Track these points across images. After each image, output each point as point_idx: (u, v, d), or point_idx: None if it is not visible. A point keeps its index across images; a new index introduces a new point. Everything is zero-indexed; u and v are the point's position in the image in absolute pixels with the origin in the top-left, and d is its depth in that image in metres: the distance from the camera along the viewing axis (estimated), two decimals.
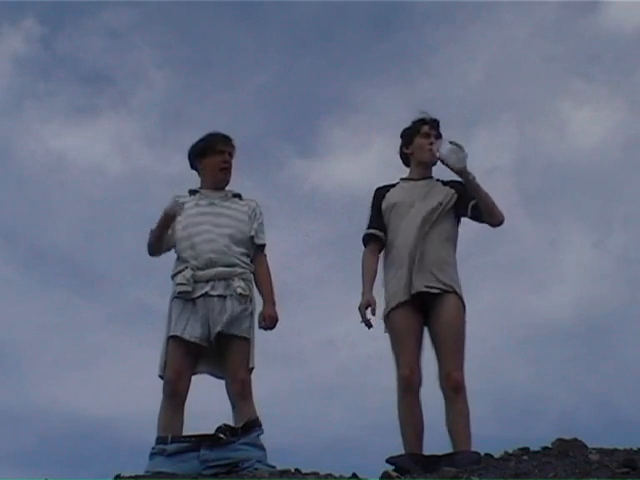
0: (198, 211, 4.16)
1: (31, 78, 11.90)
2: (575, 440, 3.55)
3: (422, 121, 4.26)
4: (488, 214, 4.02)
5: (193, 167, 4.39)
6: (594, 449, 3.45)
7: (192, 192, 4.30)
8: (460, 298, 3.92)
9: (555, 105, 12.24)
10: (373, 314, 3.94)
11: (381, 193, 4.23)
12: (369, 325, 3.94)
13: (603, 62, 11.93)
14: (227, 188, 4.34)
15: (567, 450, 3.40)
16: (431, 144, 4.16)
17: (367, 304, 3.95)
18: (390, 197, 4.17)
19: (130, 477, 3.57)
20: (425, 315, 3.92)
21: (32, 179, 11.45)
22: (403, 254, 3.96)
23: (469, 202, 4.04)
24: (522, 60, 12.09)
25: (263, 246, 4.22)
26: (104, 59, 11.85)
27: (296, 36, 12.12)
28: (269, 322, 4.03)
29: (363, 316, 3.93)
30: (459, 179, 4.10)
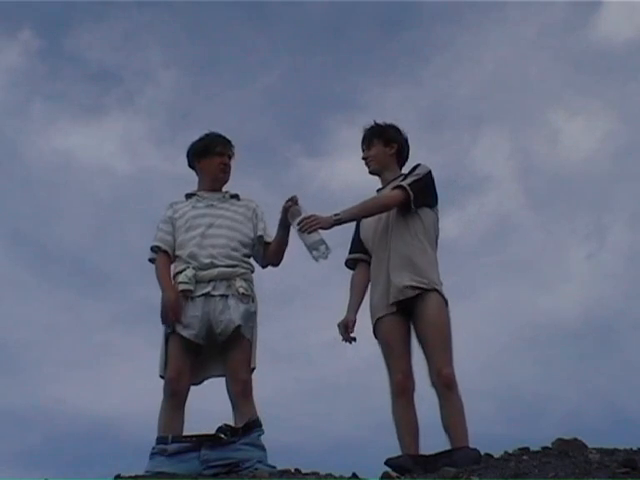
0: (197, 213, 4.17)
1: (38, 77, 11.95)
2: (575, 440, 3.54)
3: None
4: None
5: (191, 166, 4.40)
6: (594, 449, 3.44)
7: (189, 196, 4.32)
8: (441, 294, 3.91)
9: (548, 115, 12.34)
10: (351, 332, 4.07)
11: None
12: (349, 341, 4.07)
13: (596, 73, 11.99)
14: (224, 189, 4.35)
15: (567, 450, 3.38)
16: (364, 158, 4.24)
17: (345, 324, 4.08)
18: None
19: (130, 477, 3.57)
20: (410, 316, 3.93)
21: (39, 179, 11.50)
22: (378, 266, 4.02)
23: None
24: (526, 62, 12.14)
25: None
26: (111, 58, 11.90)
27: (304, 36, 12.13)
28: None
29: (342, 334, 4.08)
30: (413, 166, 4.15)
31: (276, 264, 4.27)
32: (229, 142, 4.34)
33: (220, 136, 4.35)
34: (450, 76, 12.15)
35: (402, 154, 4.27)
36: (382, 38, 12.10)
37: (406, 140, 4.30)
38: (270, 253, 4.20)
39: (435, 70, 12.29)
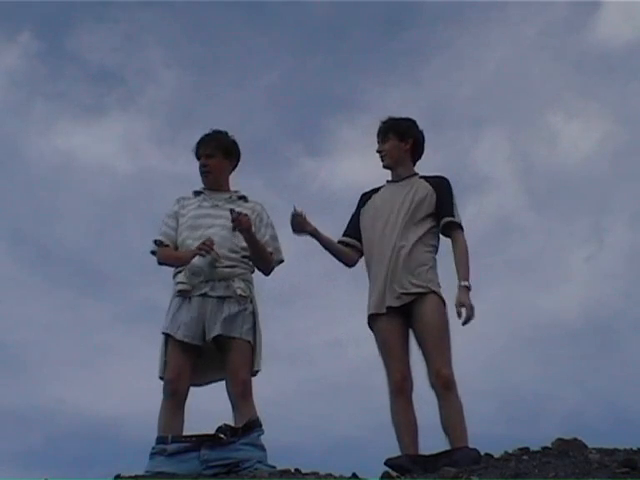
0: (201, 213, 4.17)
1: (40, 77, 11.95)
2: (575, 440, 3.54)
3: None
4: None
5: None
6: (594, 449, 3.43)
7: (196, 193, 4.31)
8: (439, 296, 3.92)
9: (548, 116, 12.36)
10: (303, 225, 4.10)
11: (364, 200, 4.29)
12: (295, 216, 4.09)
13: (595, 74, 12.02)
14: (233, 189, 4.34)
15: (567, 450, 3.38)
16: (378, 152, 4.25)
17: (306, 220, 4.11)
18: (371, 204, 4.22)
19: (130, 477, 3.57)
20: (408, 317, 3.93)
21: (40, 179, 11.52)
22: (380, 265, 4.00)
23: (443, 218, 4.06)
24: (526, 63, 12.16)
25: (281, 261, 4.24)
26: (112, 58, 11.91)
27: (305, 36, 12.15)
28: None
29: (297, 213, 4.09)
30: (442, 175, 4.17)
31: (264, 274, 4.23)
32: (209, 140, 4.28)
33: (202, 137, 4.32)
34: (450, 76, 12.17)
35: (417, 150, 4.27)
36: (383, 38, 12.13)
37: (422, 135, 4.29)
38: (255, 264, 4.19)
39: (435, 70, 12.31)
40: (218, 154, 4.27)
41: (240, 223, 3.96)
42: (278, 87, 12.23)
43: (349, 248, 4.23)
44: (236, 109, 11.47)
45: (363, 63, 12.31)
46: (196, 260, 3.91)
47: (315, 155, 12.31)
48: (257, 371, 4.00)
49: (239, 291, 3.98)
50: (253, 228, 4.08)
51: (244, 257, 4.10)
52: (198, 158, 4.29)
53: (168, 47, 12.36)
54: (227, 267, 4.01)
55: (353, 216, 4.29)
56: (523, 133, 12.39)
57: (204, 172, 4.27)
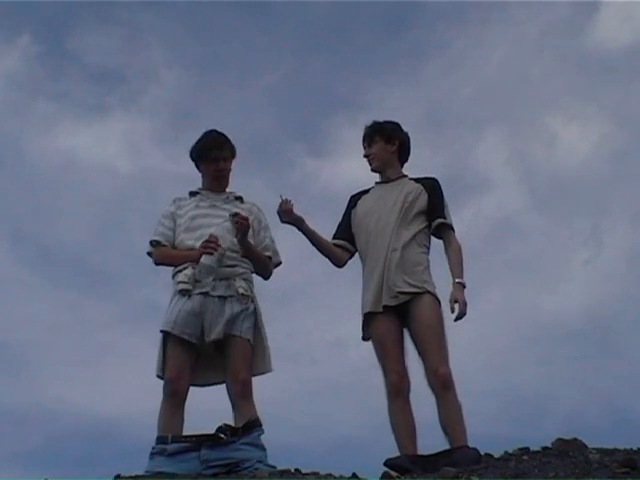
0: (199, 213, 4.16)
1: (41, 77, 11.96)
2: (575, 440, 3.54)
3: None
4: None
5: (196, 165, 4.37)
6: (594, 449, 3.44)
7: (192, 193, 4.29)
8: (434, 296, 3.94)
9: (547, 118, 12.36)
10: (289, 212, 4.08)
11: (353, 201, 4.33)
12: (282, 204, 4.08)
13: (594, 75, 12.03)
14: (229, 190, 4.32)
15: (567, 450, 3.38)
16: (366, 156, 4.30)
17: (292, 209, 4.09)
18: (361, 205, 4.26)
19: (130, 477, 3.56)
20: (403, 317, 3.95)
21: (42, 178, 11.52)
22: (375, 264, 4.02)
23: (435, 220, 4.10)
24: (527, 63, 12.16)
25: (279, 264, 4.25)
26: (114, 58, 11.91)
27: (308, 35, 12.17)
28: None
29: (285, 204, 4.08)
30: (431, 176, 4.23)
31: (264, 278, 4.24)
32: (224, 143, 4.24)
33: (214, 139, 4.26)
34: (451, 76, 12.18)
35: (404, 151, 4.32)
36: (385, 38, 12.14)
37: (407, 137, 4.34)
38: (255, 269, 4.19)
39: (436, 70, 12.32)
40: (231, 156, 4.27)
41: (241, 225, 3.95)
42: (280, 87, 12.26)
43: (340, 249, 4.25)
44: (238, 109, 11.50)
45: (365, 63, 12.33)
46: (204, 259, 3.89)
47: (317, 155, 12.34)
48: (265, 372, 4.02)
49: (241, 290, 3.97)
50: (251, 231, 4.06)
51: (244, 256, 4.09)
52: (211, 161, 4.22)
53: (169, 47, 12.39)
54: (228, 266, 4.00)
55: (343, 218, 4.32)
56: (523, 134, 12.41)
57: (220, 177, 4.25)
